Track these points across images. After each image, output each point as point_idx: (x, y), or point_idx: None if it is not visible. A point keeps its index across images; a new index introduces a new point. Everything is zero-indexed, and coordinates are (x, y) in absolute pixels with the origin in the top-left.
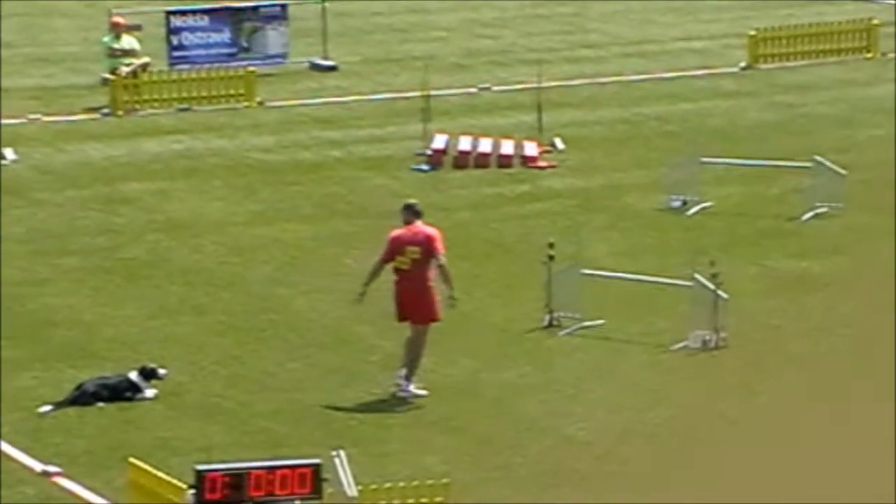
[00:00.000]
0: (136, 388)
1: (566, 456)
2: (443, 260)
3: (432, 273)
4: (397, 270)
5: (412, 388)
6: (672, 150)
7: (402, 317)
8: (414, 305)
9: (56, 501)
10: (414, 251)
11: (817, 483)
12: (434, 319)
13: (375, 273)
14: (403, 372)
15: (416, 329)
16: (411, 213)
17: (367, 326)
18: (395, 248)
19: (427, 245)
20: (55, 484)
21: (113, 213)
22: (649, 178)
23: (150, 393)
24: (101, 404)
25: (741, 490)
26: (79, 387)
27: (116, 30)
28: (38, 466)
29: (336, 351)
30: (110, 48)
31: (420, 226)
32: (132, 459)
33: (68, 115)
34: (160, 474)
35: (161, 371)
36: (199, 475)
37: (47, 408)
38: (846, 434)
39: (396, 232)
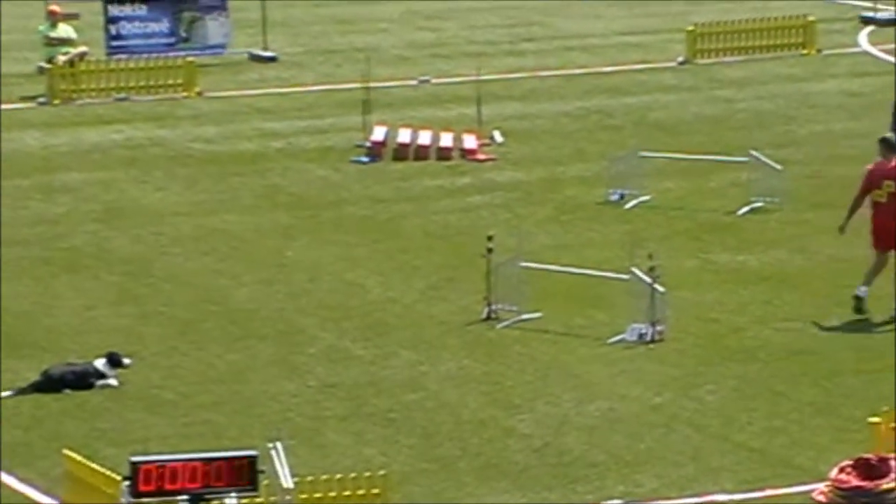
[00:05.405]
0: (101, 376)
1: (505, 448)
2: None
3: None
4: (874, 203)
5: (864, 289)
6: (613, 143)
7: (879, 245)
8: (889, 235)
9: None
10: (890, 185)
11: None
12: None
13: (856, 206)
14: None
15: (883, 256)
16: (888, 147)
17: (308, 318)
18: (872, 182)
19: None
20: None
21: (52, 202)
22: (590, 171)
23: (114, 381)
24: (67, 391)
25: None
26: (44, 373)
27: (53, 18)
28: None
29: (276, 342)
30: (47, 37)
31: None
32: (67, 451)
33: (5, 103)
34: (95, 466)
35: (126, 360)
36: (134, 467)
37: (7, 393)
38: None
39: (872, 166)
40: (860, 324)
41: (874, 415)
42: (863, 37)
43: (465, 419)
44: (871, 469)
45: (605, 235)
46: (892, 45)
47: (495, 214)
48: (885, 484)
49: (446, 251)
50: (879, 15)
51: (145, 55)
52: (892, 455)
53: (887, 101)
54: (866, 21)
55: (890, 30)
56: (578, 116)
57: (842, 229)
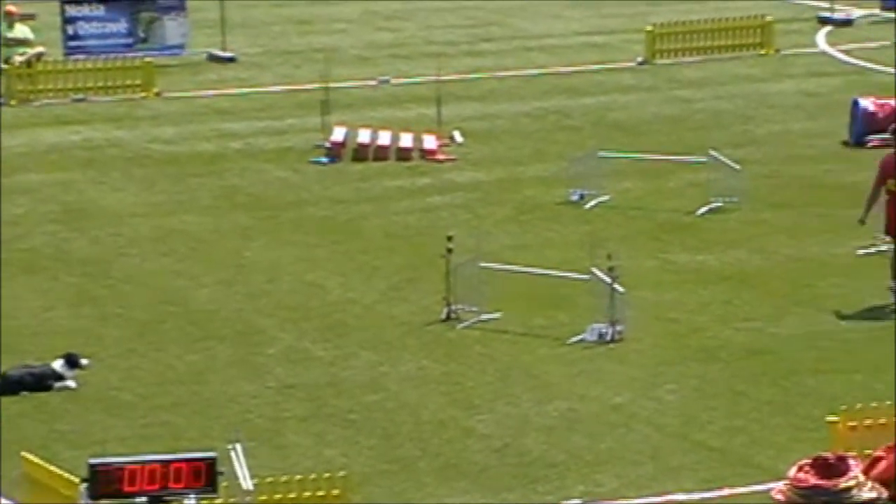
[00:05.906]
0: (59, 377)
1: (465, 448)
2: None
3: None
4: (888, 192)
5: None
6: (572, 143)
7: (891, 233)
8: None
9: None
10: None
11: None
12: None
13: (874, 197)
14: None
15: None
16: None
17: (267, 319)
18: (886, 173)
19: None
20: None
21: (10, 203)
22: (550, 171)
23: (72, 383)
24: (25, 393)
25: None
26: (2, 375)
27: (10, 18)
28: None
29: (236, 343)
30: (3, 37)
31: None
32: (25, 453)
33: None
34: (53, 468)
35: (84, 361)
36: (92, 469)
37: None
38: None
39: (886, 158)
40: (819, 323)
41: (832, 413)
42: (820, 37)
43: (425, 420)
44: (829, 468)
45: (564, 236)
46: (850, 46)
47: (455, 215)
48: (844, 483)
49: (406, 252)
50: (836, 15)
51: (103, 56)
52: (851, 454)
53: (844, 101)
54: (824, 21)
55: (847, 30)
56: (538, 117)
57: (862, 222)
